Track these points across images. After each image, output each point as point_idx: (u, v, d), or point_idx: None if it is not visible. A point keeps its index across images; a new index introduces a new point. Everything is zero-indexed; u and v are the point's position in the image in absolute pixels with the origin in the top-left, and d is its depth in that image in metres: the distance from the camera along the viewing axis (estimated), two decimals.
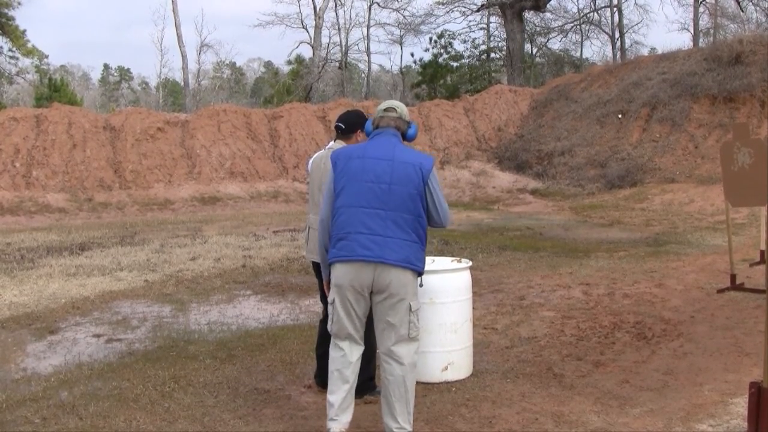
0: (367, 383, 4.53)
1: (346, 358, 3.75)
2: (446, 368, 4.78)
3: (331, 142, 4.72)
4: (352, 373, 3.76)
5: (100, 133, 20.69)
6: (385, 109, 3.92)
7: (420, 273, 3.77)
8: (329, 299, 3.80)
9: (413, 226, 3.70)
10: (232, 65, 57.77)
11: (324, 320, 4.79)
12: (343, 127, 4.62)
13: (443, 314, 4.74)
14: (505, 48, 37.11)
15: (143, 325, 6.74)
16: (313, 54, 37.88)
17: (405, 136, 3.91)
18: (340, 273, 3.69)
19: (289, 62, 41.74)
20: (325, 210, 3.83)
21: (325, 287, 4.00)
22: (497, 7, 36.52)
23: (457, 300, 4.80)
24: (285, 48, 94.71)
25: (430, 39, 39.23)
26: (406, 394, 3.73)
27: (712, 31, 36.93)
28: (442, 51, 38.61)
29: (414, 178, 3.70)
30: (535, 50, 41.12)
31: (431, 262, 5.00)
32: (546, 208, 17.52)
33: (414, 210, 3.69)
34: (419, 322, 3.80)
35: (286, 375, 5.02)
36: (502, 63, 38.83)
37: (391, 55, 74.41)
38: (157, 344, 6.03)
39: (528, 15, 36.94)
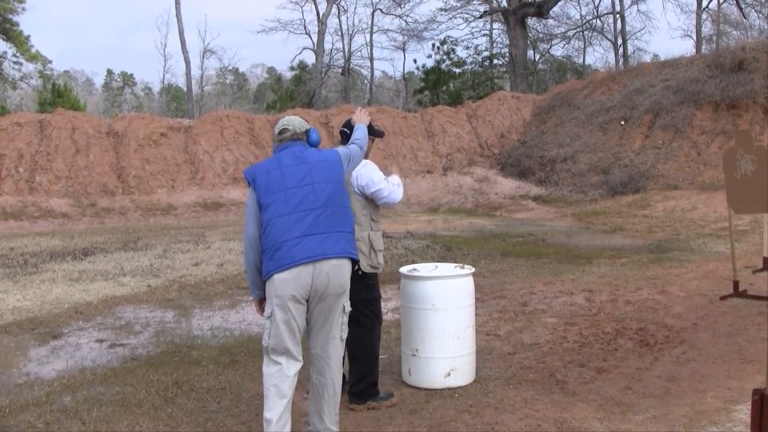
0: (370, 389, 4.52)
1: (283, 372, 3.67)
2: (449, 374, 4.78)
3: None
4: (289, 388, 3.67)
5: (104, 138, 20.75)
6: (280, 132, 3.94)
7: (356, 261, 3.86)
8: (266, 313, 3.72)
9: (343, 217, 3.79)
10: (235, 71, 57.93)
11: None
12: (349, 132, 4.63)
13: (446, 320, 4.73)
14: (507, 54, 37.20)
15: (146, 331, 6.75)
16: (316, 60, 37.98)
17: (310, 144, 3.97)
18: (280, 283, 3.62)
19: (292, 68, 41.86)
20: (251, 228, 3.77)
21: (256, 307, 3.96)
22: (500, 13, 36.62)
23: (460, 306, 4.80)
24: (288, 54, 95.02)
25: (433, 45, 39.38)
26: (335, 396, 3.81)
27: (714, 38, 36.94)
28: (444, 57, 38.70)
29: (334, 172, 3.84)
30: (537, 57, 41.18)
31: (434, 268, 5.01)
32: (548, 214, 17.52)
33: (341, 202, 3.81)
34: (347, 324, 3.86)
35: None
36: (504, 69, 38.89)
37: (394, 62, 74.74)
38: (160, 349, 6.05)
39: (531, 21, 37.05)
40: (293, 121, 3.99)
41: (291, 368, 3.69)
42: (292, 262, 3.61)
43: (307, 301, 3.70)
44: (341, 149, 4.06)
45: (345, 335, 3.84)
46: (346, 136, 4.63)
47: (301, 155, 3.84)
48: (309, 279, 3.63)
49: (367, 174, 4.52)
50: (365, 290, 4.51)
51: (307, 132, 3.97)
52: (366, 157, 4.70)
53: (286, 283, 3.62)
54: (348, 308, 3.83)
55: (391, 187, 4.57)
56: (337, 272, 3.69)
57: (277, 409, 3.63)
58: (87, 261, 10.95)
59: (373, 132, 4.78)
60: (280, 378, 3.66)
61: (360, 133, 4.31)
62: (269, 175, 3.78)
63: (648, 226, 14.20)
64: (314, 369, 3.82)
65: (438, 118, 24.77)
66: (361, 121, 4.45)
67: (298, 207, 3.69)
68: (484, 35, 40.96)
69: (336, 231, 3.72)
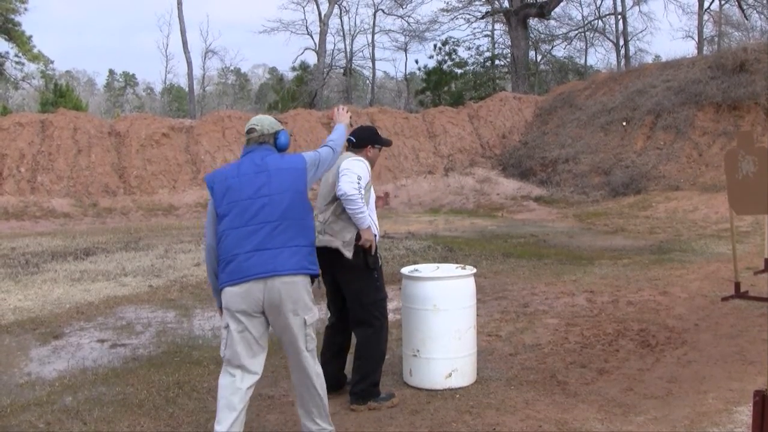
0: (371, 389, 4.52)
1: (235, 384, 3.62)
2: (450, 375, 4.77)
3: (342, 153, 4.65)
4: (240, 402, 3.62)
5: (105, 138, 20.76)
6: (247, 132, 3.78)
7: (315, 275, 3.74)
8: (222, 324, 3.68)
9: (301, 230, 3.66)
10: (237, 71, 57.95)
11: (330, 326, 4.80)
12: (354, 141, 4.63)
13: (447, 321, 4.73)
14: (509, 55, 37.21)
15: (147, 331, 6.75)
16: (318, 60, 38.01)
17: (277, 148, 3.80)
18: (230, 297, 3.58)
19: (294, 68, 41.92)
20: (209, 236, 3.73)
21: (218, 313, 3.88)
22: (502, 14, 36.63)
23: (462, 307, 4.79)
24: (290, 54, 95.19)
25: (435, 46, 39.48)
26: (320, 399, 3.79)
27: (716, 39, 36.94)
28: (446, 58, 38.77)
29: (294, 182, 3.67)
30: (539, 57, 41.18)
31: (435, 269, 5.01)
32: (550, 215, 17.51)
33: (299, 214, 3.66)
34: (314, 333, 3.75)
35: (290, 381, 5.02)
36: (506, 70, 38.91)
37: (395, 62, 74.85)
38: (161, 350, 6.05)
39: (532, 22, 37.06)
40: (263, 120, 3.82)
41: (245, 381, 3.64)
42: (243, 277, 3.54)
43: (264, 313, 3.62)
44: (309, 154, 3.82)
45: (312, 346, 3.73)
46: (351, 144, 4.62)
47: (261, 162, 3.68)
48: (260, 295, 3.55)
49: (347, 176, 4.32)
50: (374, 291, 4.52)
51: (275, 134, 3.78)
52: (372, 166, 4.68)
53: (235, 297, 3.57)
54: (310, 321, 3.68)
55: (359, 201, 4.30)
56: (290, 288, 3.57)
57: (226, 421, 3.59)
58: (88, 261, 10.96)
59: (381, 141, 4.77)
60: (231, 390, 3.62)
61: (336, 133, 4.08)
62: (227, 182, 3.67)
63: (649, 227, 14.19)
64: (295, 377, 3.80)
65: (439, 119, 24.78)
66: (341, 120, 4.24)
67: (252, 220, 3.58)
68: (486, 36, 41.04)
69: (291, 246, 3.60)
